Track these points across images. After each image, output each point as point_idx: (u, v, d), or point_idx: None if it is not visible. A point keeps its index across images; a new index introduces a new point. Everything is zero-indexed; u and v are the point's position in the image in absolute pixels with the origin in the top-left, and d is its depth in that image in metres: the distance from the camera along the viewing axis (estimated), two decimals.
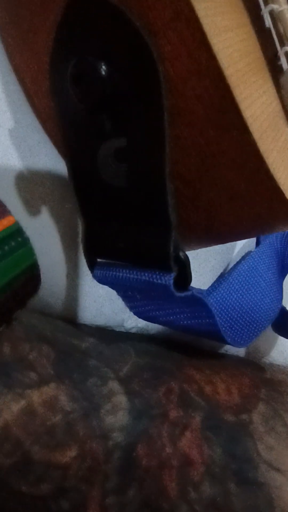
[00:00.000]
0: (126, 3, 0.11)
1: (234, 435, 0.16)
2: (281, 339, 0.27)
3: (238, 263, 0.23)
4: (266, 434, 0.17)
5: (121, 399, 0.16)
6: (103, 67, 0.12)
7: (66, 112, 0.14)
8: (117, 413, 0.15)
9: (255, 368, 0.21)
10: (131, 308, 0.19)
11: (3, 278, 0.12)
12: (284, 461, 0.16)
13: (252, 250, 0.24)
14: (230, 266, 0.25)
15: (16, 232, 0.12)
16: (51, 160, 0.18)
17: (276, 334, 0.26)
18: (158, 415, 0.16)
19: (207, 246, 0.18)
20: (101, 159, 0.14)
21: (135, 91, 0.12)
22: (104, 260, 0.17)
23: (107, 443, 0.14)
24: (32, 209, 0.18)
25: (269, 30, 0.14)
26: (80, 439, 0.14)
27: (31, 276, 0.13)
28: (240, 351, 0.25)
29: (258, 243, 0.25)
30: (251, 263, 0.23)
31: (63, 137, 0.15)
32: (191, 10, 0.10)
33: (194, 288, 0.16)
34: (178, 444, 0.15)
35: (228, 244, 0.25)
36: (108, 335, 0.20)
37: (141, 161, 0.13)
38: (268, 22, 0.14)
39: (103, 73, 0.12)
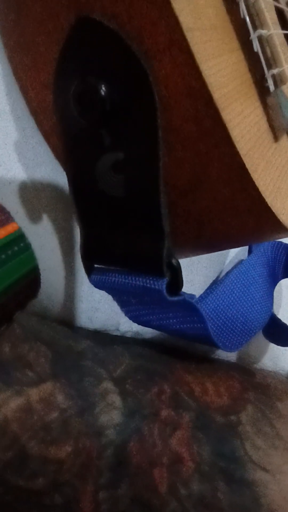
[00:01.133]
0: (126, 30, 0.12)
1: (223, 435, 0.17)
2: (271, 346, 0.27)
3: (230, 271, 0.24)
4: (253, 434, 0.17)
5: (115, 399, 0.16)
6: (103, 87, 0.13)
7: (68, 126, 0.15)
8: (110, 412, 0.16)
9: (244, 373, 0.22)
10: (126, 313, 0.20)
11: (6, 281, 0.13)
12: (270, 460, 0.16)
13: (244, 259, 0.25)
14: (223, 274, 0.26)
15: (19, 238, 0.13)
16: (52, 171, 0.19)
17: (267, 341, 0.27)
18: (150, 415, 0.16)
19: (198, 254, 0.19)
20: (100, 170, 0.15)
21: (131, 109, 0.13)
22: (100, 266, 0.17)
23: (101, 440, 0.15)
24: (33, 217, 0.19)
25: (257, 53, 0.15)
26: (75, 435, 0.14)
27: (31, 280, 0.14)
28: (231, 357, 0.26)
29: (250, 252, 0.26)
30: (242, 271, 0.24)
31: (64, 149, 0.15)
32: (183, 38, 0.11)
33: (186, 293, 0.17)
34: (169, 442, 0.16)
35: (221, 253, 0.26)
36: (103, 338, 0.20)
37: (137, 173, 0.14)
38: (256, 46, 0.15)
39: (103, 93, 0.13)
